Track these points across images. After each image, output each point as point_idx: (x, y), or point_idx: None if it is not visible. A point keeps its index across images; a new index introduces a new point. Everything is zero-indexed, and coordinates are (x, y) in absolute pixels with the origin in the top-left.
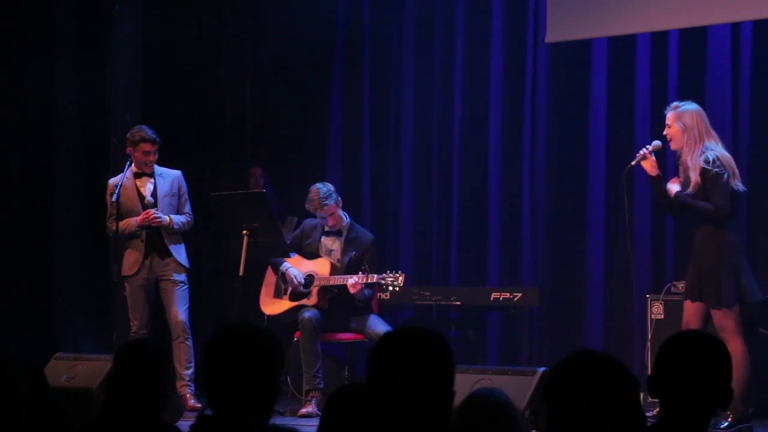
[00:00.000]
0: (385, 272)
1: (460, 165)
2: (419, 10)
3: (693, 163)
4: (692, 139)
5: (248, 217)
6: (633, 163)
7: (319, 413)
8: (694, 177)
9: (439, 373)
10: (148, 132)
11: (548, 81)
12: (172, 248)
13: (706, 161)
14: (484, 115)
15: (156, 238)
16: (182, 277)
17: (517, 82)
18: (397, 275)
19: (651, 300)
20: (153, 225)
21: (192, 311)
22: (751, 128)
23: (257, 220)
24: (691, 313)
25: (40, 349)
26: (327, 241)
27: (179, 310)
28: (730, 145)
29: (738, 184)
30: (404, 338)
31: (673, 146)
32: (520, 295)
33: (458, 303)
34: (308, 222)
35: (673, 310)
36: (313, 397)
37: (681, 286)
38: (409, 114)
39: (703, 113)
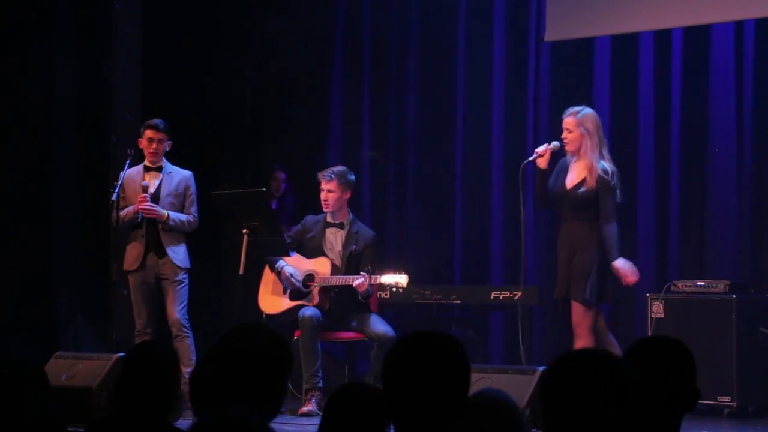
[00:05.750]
0: (389, 273)
1: (463, 164)
2: (420, 8)
3: (592, 166)
4: (593, 144)
5: (248, 216)
6: (531, 158)
7: (319, 412)
8: (591, 180)
9: (455, 379)
10: (156, 120)
11: (552, 80)
12: (169, 248)
13: (605, 171)
14: (487, 114)
15: (154, 236)
16: (180, 276)
17: (520, 81)
18: (400, 276)
19: (651, 299)
20: (145, 214)
21: (192, 311)
22: (754, 127)
23: (257, 219)
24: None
25: (40, 348)
26: (330, 234)
27: (175, 309)
28: (734, 143)
29: (620, 196)
30: (424, 342)
31: (569, 149)
32: (519, 293)
33: (458, 302)
34: (310, 217)
35: (674, 309)
36: (312, 396)
37: (682, 285)
38: (411, 114)
39: (599, 120)
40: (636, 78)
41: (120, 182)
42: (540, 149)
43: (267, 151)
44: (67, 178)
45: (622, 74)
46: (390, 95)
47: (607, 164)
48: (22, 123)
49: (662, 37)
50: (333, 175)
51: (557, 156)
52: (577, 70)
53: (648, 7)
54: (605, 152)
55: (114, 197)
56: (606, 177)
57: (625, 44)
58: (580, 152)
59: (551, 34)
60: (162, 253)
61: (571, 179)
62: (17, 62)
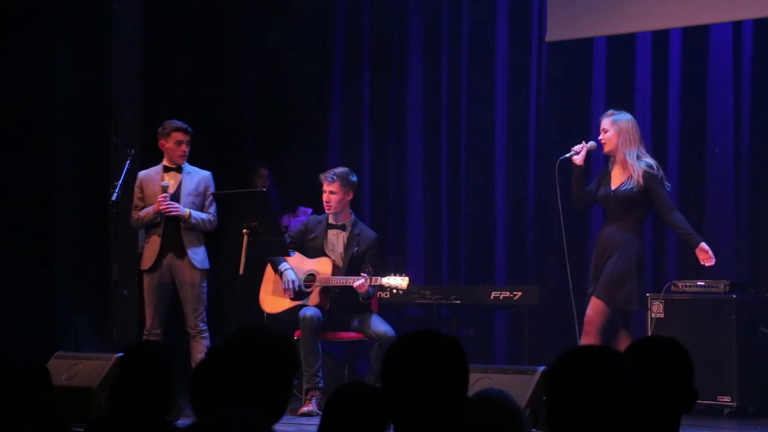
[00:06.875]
0: (390, 274)
1: (467, 164)
2: (422, 7)
3: (632, 163)
4: (627, 141)
5: (248, 216)
6: (567, 155)
7: (319, 412)
8: (636, 177)
9: (454, 378)
10: (180, 122)
11: (553, 80)
12: (190, 249)
13: (650, 166)
14: (490, 114)
15: (174, 236)
16: (198, 278)
17: (522, 81)
18: (401, 279)
19: (651, 299)
20: (167, 213)
21: None
22: (752, 127)
23: (257, 219)
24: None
25: (40, 348)
26: (331, 235)
27: (195, 314)
28: (732, 143)
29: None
30: (422, 341)
31: (606, 149)
32: (519, 293)
33: (458, 302)
34: (312, 217)
35: (674, 309)
36: (312, 396)
37: (682, 285)
38: (412, 112)
39: (636, 122)
40: (634, 78)
41: (120, 182)
42: (577, 147)
43: (266, 149)
44: (67, 178)
45: (621, 74)
46: (391, 94)
47: (649, 160)
48: (22, 123)
49: (661, 37)
50: (335, 177)
51: (592, 156)
52: (576, 70)
53: (647, 7)
54: (643, 151)
55: (114, 197)
56: (653, 171)
57: (623, 44)
58: (617, 152)
59: (552, 35)
60: (182, 254)
61: (616, 181)
62: (17, 62)
